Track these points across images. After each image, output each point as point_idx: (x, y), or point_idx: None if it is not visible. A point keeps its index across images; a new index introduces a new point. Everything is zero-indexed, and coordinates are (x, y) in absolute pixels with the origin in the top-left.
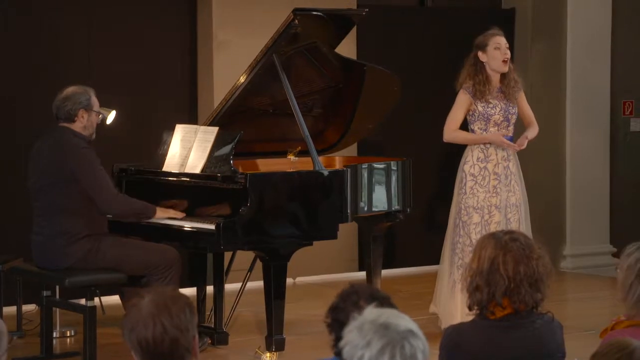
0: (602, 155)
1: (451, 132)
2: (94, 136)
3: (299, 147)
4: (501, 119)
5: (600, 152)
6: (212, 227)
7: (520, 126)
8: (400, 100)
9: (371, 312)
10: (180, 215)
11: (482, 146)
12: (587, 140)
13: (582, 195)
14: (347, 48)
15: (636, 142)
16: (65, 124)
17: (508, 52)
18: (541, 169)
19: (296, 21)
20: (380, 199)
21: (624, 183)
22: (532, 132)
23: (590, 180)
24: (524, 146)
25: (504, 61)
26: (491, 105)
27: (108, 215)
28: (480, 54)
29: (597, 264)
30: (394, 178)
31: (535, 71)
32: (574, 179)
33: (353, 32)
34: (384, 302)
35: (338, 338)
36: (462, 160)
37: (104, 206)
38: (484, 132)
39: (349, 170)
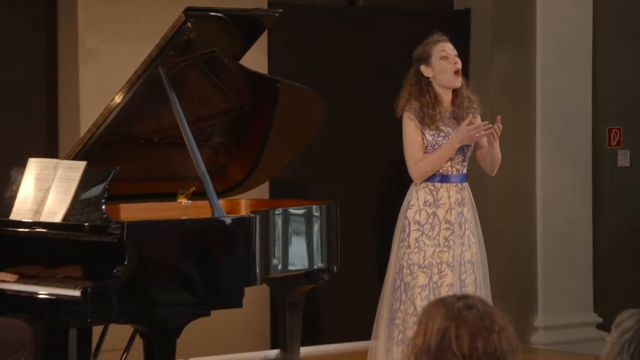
0: (582, 198)
1: (417, 165)
2: None
3: (193, 188)
4: (455, 152)
5: (580, 193)
6: (77, 293)
7: (474, 165)
8: (325, 125)
9: None
10: (11, 277)
11: (430, 186)
12: (564, 177)
13: (557, 248)
14: (256, 59)
15: (625, 179)
16: None
17: (458, 60)
18: (505, 215)
19: (189, 24)
20: (298, 255)
21: (611, 232)
22: (498, 153)
23: (568, 229)
24: (495, 132)
25: (456, 72)
26: (443, 134)
27: None
28: (423, 68)
29: (577, 338)
30: (316, 227)
31: (496, 88)
32: (547, 227)
33: (264, 38)
34: None
35: None
36: (405, 203)
37: None
38: (435, 179)
39: (258, 217)
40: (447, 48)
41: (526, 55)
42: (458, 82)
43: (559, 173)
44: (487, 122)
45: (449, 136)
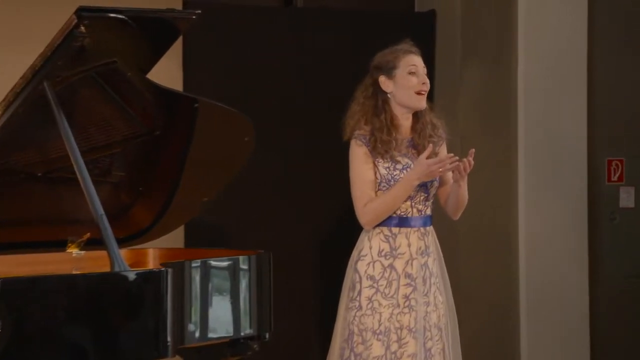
0: (576, 245)
1: (367, 207)
2: None
3: (88, 234)
4: (416, 189)
5: (573, 239)
6: None
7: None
8: (255, 155)
9: None
10: None
11: (386, 232)
12: (553, 221)
13: (545, 307)
14: (169, 73)
15: (629, 223)
16: None
17: (427, 80)
18: (480, 267)
19: (82, 28)
20: (221, 319)
21: (612, 287)
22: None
23: (559, 283)
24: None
25: (422, 93)
26: (400, 167)
27: None
28: (383, 80)
29: None
30: (244, 284)
31: (467, 111)
32: (532, 281)
33: (178, 47)
34: None
35: None
36: (355, 253)
37: None
38: (391, 222)
39: (170, 271)
40: (417, 63)
41: (505, 69)
42: (422, 103)
43: (546, 215)
44: (452, 155)
45: (409, 169)
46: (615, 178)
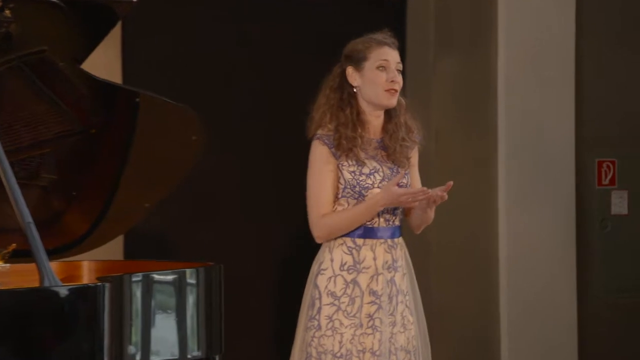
0: (563, 257)
1: (323, 220)
2: None
3: (14, 245)
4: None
5: (559, 250)
6: None
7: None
8: (205, 155)
9: None
10: None
11: (350, 243)
12: (537, 230)
13: (528, 327)
14: (107, 64)
15: (622, 231)
16: None
17: (399, 78)
18: (456, 283)
19: (7, 12)
20: (165, 340)
21: (603, 304)
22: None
23: (544, 300)
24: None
25: (391, 91)
26: (367, 171)
27: None
28: (350, 72)
29: None
30: (191, 300)
31: (441, 108)
32: (514, 299)
33: (116, 35)
34: None
35: None
36: (315, 266)
37: None
38: (355, 233)
39: (107, 286)
40: (390, 57)
41: (483, 60)
42: (392, 101)
43: (530, 223)
44: (425, 189)
45: (377, 174)
46: (607, 181)
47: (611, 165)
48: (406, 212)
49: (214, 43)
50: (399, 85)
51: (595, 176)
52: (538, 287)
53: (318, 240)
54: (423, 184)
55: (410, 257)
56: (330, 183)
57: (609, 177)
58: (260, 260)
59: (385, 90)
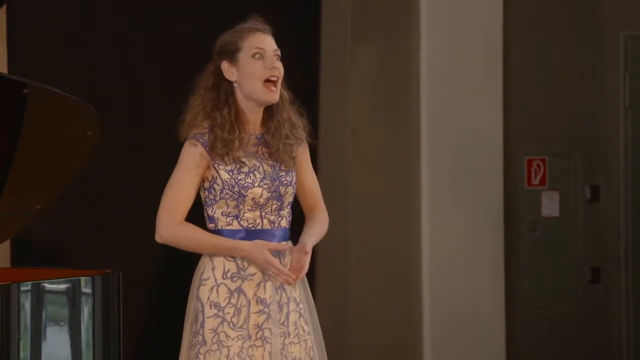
0: (490, 263)
1: (179, 228)
2: None
3: None
4: (266, 195)
5: (486, 256)
6: None
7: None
8: (100, 153)
9: None
10: None
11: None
12: (462, 234)
13: (453, 339)
14: None
15: (552, 235)
16: None
17: (278, 65)
18: (375, 292)
19: None
20: (58, 355)
21: (532, 313)
22: (317, 229)
23: (470, 309)
24: (305, 270)
25: (271, 82)
26: (245, 170)
27: None
28: (226, 66)
29: None
30: (86, 311)
31: (358, 101)
32: (438, 309)
33: (2, 20)
34: None
35: None
36: (196, 277)
37: None
38: (237, 235)
39: None
40: (264, 44)
41: (405, 53)
42: (273, 96)
43: (454, 226)
44: (291, 276)
45: (257, 172)
46: (537, 181)
47: (541, 164)
48: (304, 205)
49: (106, 32)
50: (279, 72)
51: (524, 175)
52: (463, 294)
53: (158, 239)
54: (339, 185)
55: (326, 261)
56: (191, 189)
57: (539, 176)
58: (158, 269)
59: (265, 82)
